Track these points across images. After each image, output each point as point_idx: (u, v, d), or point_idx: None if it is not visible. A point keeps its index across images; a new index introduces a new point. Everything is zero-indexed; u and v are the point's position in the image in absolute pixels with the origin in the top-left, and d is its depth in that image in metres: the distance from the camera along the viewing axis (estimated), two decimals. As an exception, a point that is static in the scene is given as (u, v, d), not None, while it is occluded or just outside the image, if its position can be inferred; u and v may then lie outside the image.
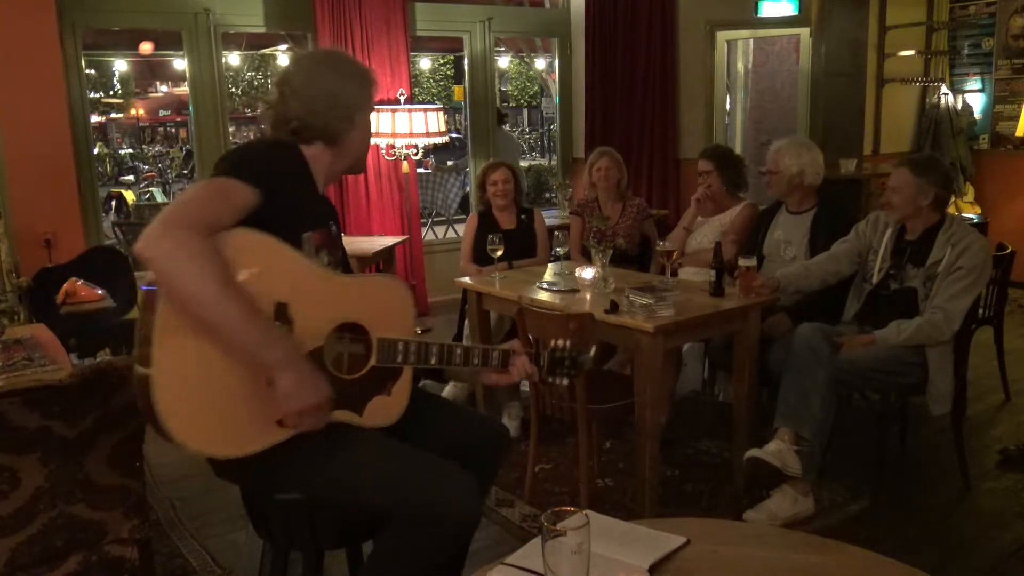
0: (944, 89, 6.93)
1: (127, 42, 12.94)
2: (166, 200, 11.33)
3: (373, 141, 2.75)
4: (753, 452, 2.92)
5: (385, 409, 1.83)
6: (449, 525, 1.72)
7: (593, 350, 2.09)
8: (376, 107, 2.03)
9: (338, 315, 1.74)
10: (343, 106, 1.86)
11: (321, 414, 1.64)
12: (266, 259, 1.63)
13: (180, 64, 13.01)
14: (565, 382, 2.03)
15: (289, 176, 1.78)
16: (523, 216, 4.43)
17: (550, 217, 5.57)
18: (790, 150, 3.66)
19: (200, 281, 1.48)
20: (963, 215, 6.27)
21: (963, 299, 3.01)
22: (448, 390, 4.09)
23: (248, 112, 17.75)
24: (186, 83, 5.82)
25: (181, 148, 15.65)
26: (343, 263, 1.95)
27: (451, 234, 9.63)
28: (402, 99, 5.83)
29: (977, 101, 6.99)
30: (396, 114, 5.53)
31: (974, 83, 7.00)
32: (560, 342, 2.00)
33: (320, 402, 1.62)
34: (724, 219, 4.03)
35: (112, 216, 10.41)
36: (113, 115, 17.55)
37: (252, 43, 13.72)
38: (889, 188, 3.21)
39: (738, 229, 3.94)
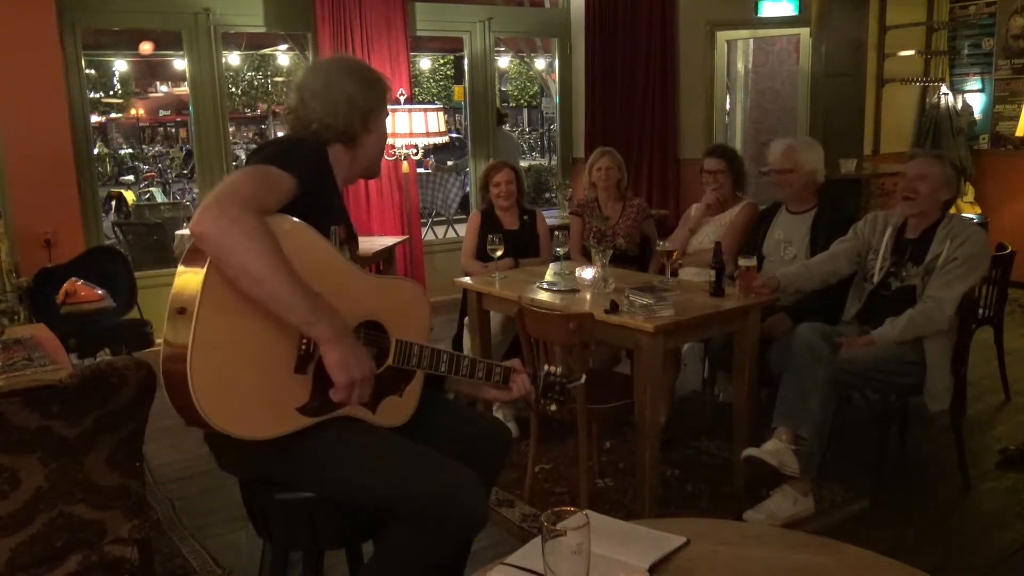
0: (944, 89, 6.93)
1: (127, 42, 12.95)
2: (166, 200, 11.33)
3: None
4: (750, 451, 2.92)
5: (396, 410, 1.87)
6: (455, 524, 1.73)
7: (584, 378, 2.15)
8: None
9: (362, 312, 1.78)
10: (361, 109, 1.92)
11: (368, 387, 1.69)
12: (305, 246, 1.67)
13: (180, 64, 13.00)
14: (553, 407, 2.08)
15: (320, 171, 1.83)
16: (525, 217, 4.43)
17: (550, 217, 5.57)
18: (804, 148, 3.65)
19: (255, 256, 1.51)
20: (963, 215, 6.27)
21: (955, 286, 3.00)
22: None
23: (248, 112, 17.77)
24: (186, 83, 5.82)
25: (181, 148, 15.67)
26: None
27: (451, 234, 9.63)
28: (402, 99, 5.83)
29: (977, 101, 6.99)
30: (396, 114, 5.52)
31: (974, 83, 7.00)
32: (553, 368, 2.08)
33: (369, 375, 1.67)
34: (725, 219, 4.02)
35: (112, 216, 10.43)
36: (113, 115, 17.57)
37: (252, 43, 13.74)
38: (913, 177, 3.13)
39: (738, 229, 3.94)
